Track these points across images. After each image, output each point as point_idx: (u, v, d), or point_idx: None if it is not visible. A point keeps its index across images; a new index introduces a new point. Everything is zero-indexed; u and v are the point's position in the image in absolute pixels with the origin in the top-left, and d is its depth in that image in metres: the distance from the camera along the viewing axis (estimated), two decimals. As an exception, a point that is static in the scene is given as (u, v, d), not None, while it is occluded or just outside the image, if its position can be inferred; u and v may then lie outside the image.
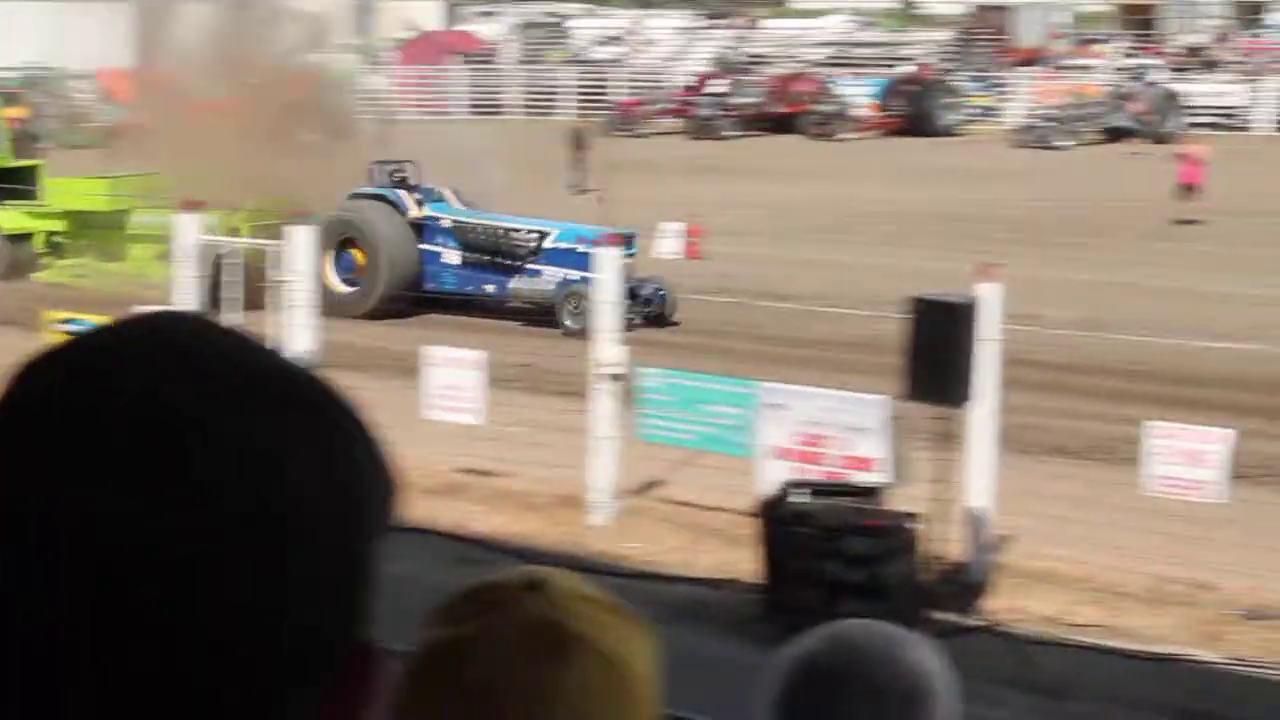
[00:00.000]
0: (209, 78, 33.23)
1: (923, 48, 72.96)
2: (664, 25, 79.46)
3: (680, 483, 16.93)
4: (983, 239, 26.37)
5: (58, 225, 32.20)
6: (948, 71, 67.70)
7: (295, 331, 17.86)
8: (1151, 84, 62.41)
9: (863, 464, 14.82)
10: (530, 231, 26.95)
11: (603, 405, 16.27)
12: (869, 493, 14.10)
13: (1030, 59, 69.27)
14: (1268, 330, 24.15)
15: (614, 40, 76.88)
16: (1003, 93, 66.90)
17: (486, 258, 26.93)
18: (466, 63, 70.35)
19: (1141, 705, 12.18)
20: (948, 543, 13.91)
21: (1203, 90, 63.54)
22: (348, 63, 52.38)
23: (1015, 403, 16.76)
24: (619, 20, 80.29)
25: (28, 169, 33.73)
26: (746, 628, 12.49)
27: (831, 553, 13.18)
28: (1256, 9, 75.03)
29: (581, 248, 25.42)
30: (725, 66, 70.06)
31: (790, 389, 16.27)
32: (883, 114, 63.07)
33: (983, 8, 74.72)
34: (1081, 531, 15.68)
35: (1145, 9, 75.95)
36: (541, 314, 26.36)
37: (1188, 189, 37.97)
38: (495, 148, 31.02)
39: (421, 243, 27.37)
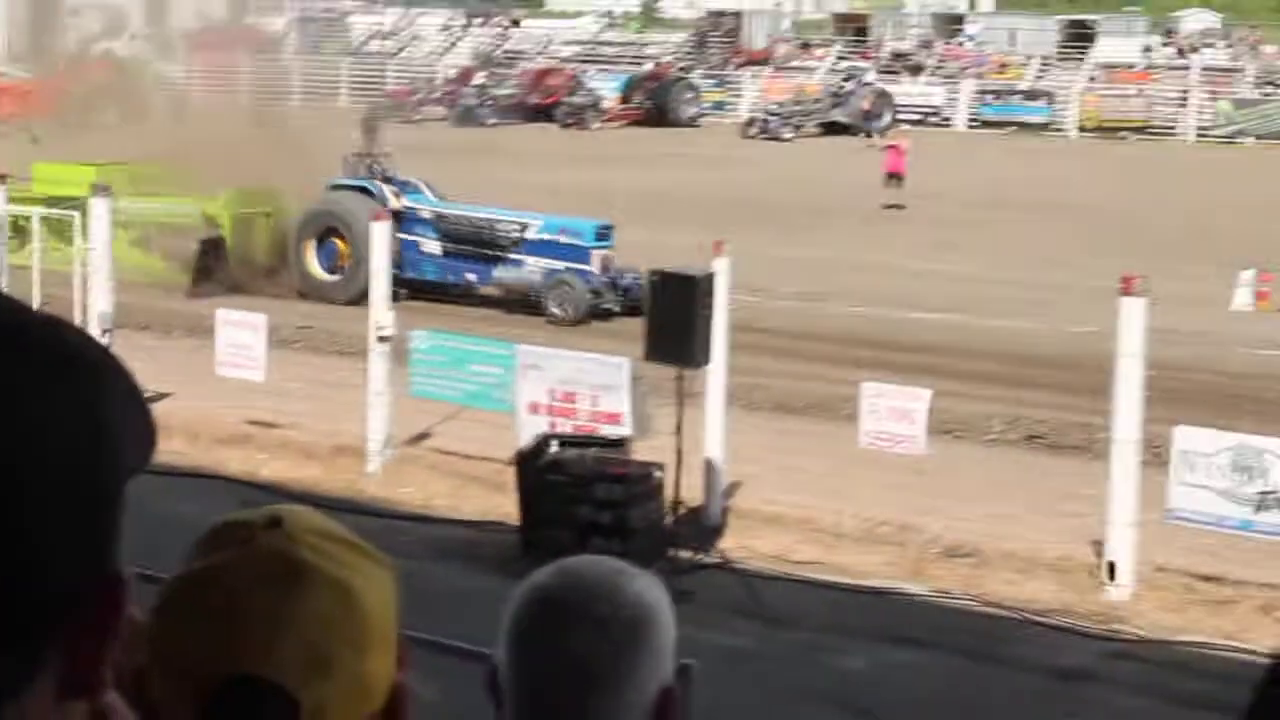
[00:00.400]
0: (17, 62, 32.23)
1: (662, 48, 73.48)
2: (432, 23, 78.92)
3: (448, 435, 16.87)
4: (718, 219, 26.48)
5: None
6: (685, 70, 68.28)
7: (97, 295, 17.63)
8: (867, 84, 63.51)
9: (611, 419, 14.91)
10: (512, 223, 25.75)
11: (376, 364, 16.15)
12: (616, 444, 14.23)
13: (758, 60, 70.00)
14: (961, 303, 24.64)
15: (387, 35, 76.29)
16: (735, 89, 67.56)
17: (467, 248, 25.66)
18: (253, 55, 69.26)
19: (856, 633, 12.38)
20: (687, 489, 13.99)
21: (908, 91, 64.83)
22: (142, 50, 51.45)
23: (746, 365, 16.97)
24: (391, 15, 79.57)
25: None
26: (507, 565, 12.46)
27: (582, 498, 13.31)
28: (956, 20, 76.71)
29: (564, 239, 25.01)
30: (486, 61, 69.92)
31: (544, 351, 16.38)
32: (627, 106, 63.41)
33: (715, 13, 75.45)
34: (804, 480, 15.88)
35: (858, 19, 77.34)
36: (524, 302, 24.97)
37: (894, 177, 38.67)
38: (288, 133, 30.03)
39: (400, 232, 24.78)
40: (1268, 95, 62.79)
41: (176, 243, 26.68)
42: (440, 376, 16.65)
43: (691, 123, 63.11)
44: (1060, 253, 29.95)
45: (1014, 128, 61.57)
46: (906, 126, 54.21)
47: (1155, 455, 13.75)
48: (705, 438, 14.67)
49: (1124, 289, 13.25)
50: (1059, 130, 62.50)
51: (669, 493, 13.70)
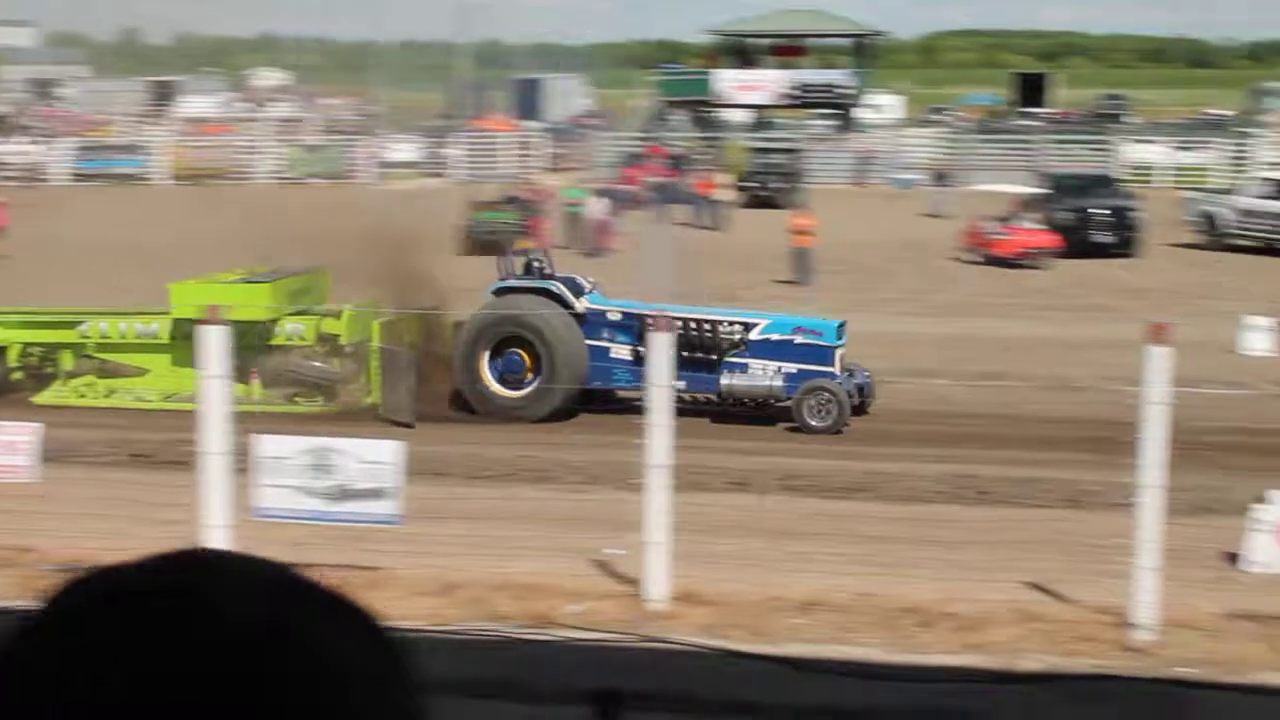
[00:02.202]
0: None
1: None
2: None
3: None
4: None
5: (30, 336, 22.28)
6: None
7: None
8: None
9: None
10: (734, 322, 20.76)
11: None
12: None
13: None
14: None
15: None
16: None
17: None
18: None
19: None
20: None
21: (9, 150, 62.50)
22: None
23: None
24: None
25: None
26: None
27: None
28: (50, 84, 75.30)
29: (801, 339, 20.45)
30: None
31: None
32: None
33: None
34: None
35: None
36: (753, 408, 20.53)
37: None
38: None
39: (586, 338, 20.75)
40: (331, 141, 65.15)
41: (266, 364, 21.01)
42: None
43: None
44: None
45: (112, 179, 60.56)
46: (7, 183, 52.29)
47: (241, 463, 14.01)
48: None
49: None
50: (151, 180, 61.95)
51: None
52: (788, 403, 19.93)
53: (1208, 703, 10.57)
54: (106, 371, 21.75)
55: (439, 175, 60.11)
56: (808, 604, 12.21)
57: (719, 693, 10.75)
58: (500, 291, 21.02)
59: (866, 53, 67.03)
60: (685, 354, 19.67)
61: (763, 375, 20.17)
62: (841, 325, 20.71)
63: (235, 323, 20.03)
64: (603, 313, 20.71)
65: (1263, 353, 24.18)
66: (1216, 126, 64.00)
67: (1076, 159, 53.40)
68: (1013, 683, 10.91)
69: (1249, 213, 38.60)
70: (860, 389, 20.16)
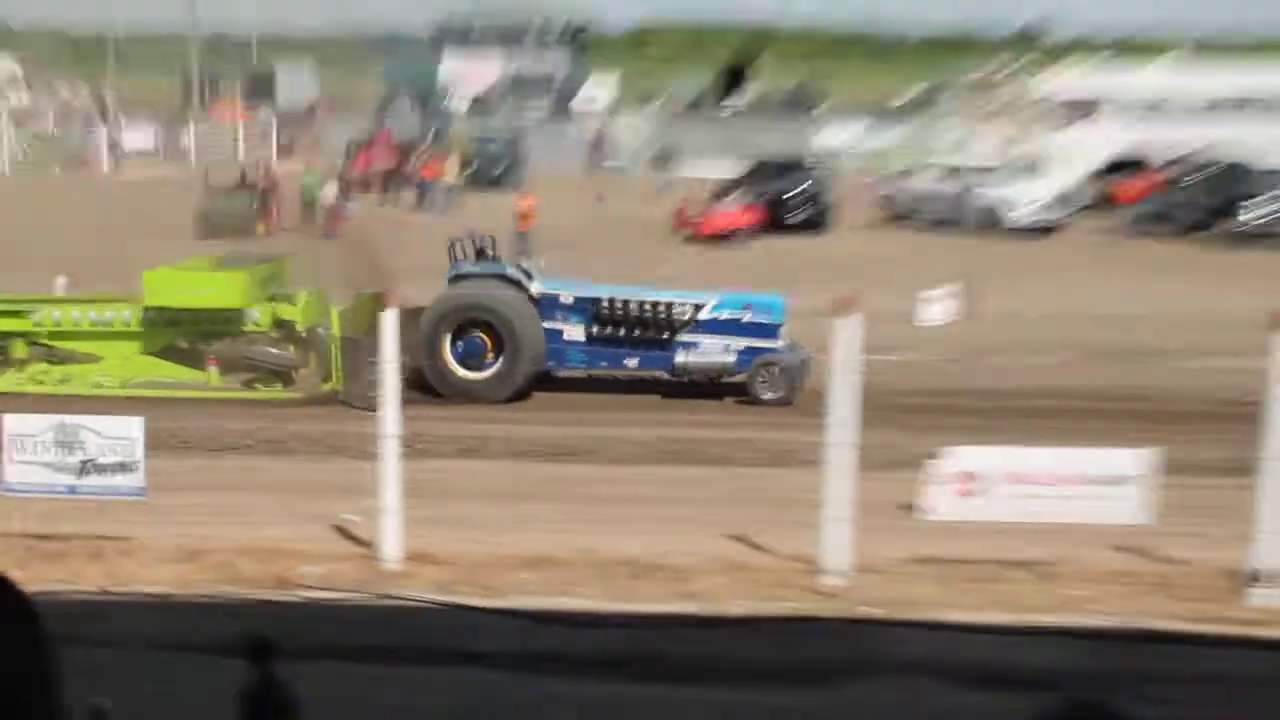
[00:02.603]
0: None
1: None
2: None
3: None
4: None
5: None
6: None
7: None
8: None
9: None
10: (684, 303, 20.14)
11: None
12: None
13: None
14: None
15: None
16: None
17: (619, 332, 20.11)
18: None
19: None
20: None
21: None
22: None
23: None
24: None
25: None
26: None
27: None
28: None
29: (750, 316, 19.95)
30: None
31: None
32: None
33: None
34: None
35: None
36: (709, 386, 19.98)
37: None
38: None
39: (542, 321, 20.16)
40: (67, 131, 62.95)
41: (223, 350, 20.26)
42: None
43: None
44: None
45: None
46: None
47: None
48: None
49: None
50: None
51: None
52: (739, 377, 19.73)
53: (888, 637, 11.05)
54: (56, 359, 20.71)
55: (175, 162, 58.50)
56: (534, 560, 12.40)
57: (455, 644, 10.89)
58: (455, 279, 20.58)
59: (581, 42, 67.41)
60: (637, 333, 20.01)
61: (715, 352, 19.90)
62: (784, 302, 20.46)
63: (208, 310, 19.95)
64: (555, 296, 20.37)
65: (936, 322, 25.14)
66: (898, 114, 65.96)
67: (774, 144, 54.51)
68: (718, 627, 11.26)
69: (924, 195, 40.08)
70: (802, 363, 19.68)
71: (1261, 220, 34.87)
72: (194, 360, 20.45)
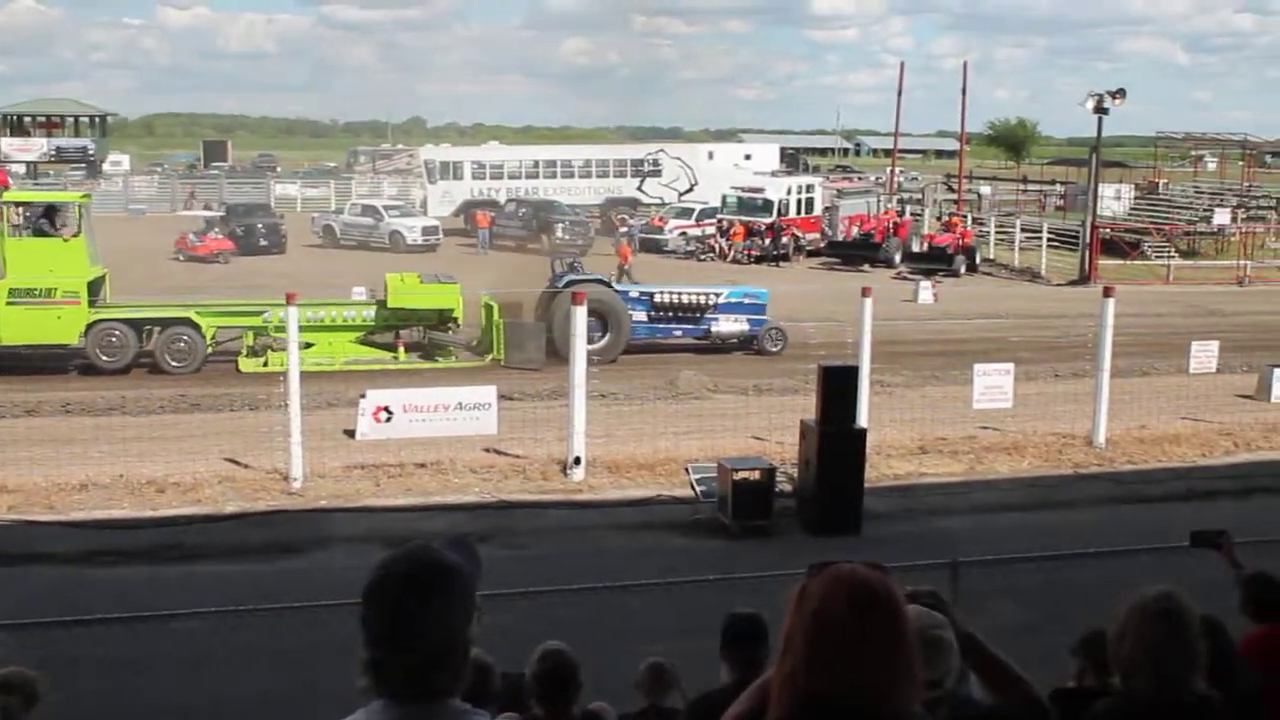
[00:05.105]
0: None
1: None
2: None
3: None
4: None
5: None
6: None
7: None
8: None
9: None
10: (708, 293, 20.54)
11: None
12: None
13: None
14: None
15: None
16: None
17: (670, 313, 20.16)
18: None
19: None
20: None
21: None
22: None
23: None
24: None
25: None
26: None
27: None
28: None
29: (749, 300, 20.51)
30: None
31: None
32: None
33: None
34: None
35: None
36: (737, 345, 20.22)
37: None
38: None
39: None
40: None
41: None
42: None
43: None
44: None
45: None
46: None
47: None
48: None
49: None
50: None
51: None
52: (750, 338, 20.20)
53: (336, 521, 10.94)
54: (276, 347, 17.74)
55: None
56: (83, 485, 11.54)
57: (24, 549, 9.90)
58: (568, 284, 19.40)
59: (104, 127, 63.29)
60: (681, 315, 20.24)
61: (734, 324, 20.28)
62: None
63: (424, 310, 18.93)
64: (626, 293, 20.50)
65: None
66: (329, 173, 64.60)
67: (245, 195, 51.56)
68: (220, 521, 10.80)
69: (350, 224, 39.43)
70: (783, 330, 20.34)
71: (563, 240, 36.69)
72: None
